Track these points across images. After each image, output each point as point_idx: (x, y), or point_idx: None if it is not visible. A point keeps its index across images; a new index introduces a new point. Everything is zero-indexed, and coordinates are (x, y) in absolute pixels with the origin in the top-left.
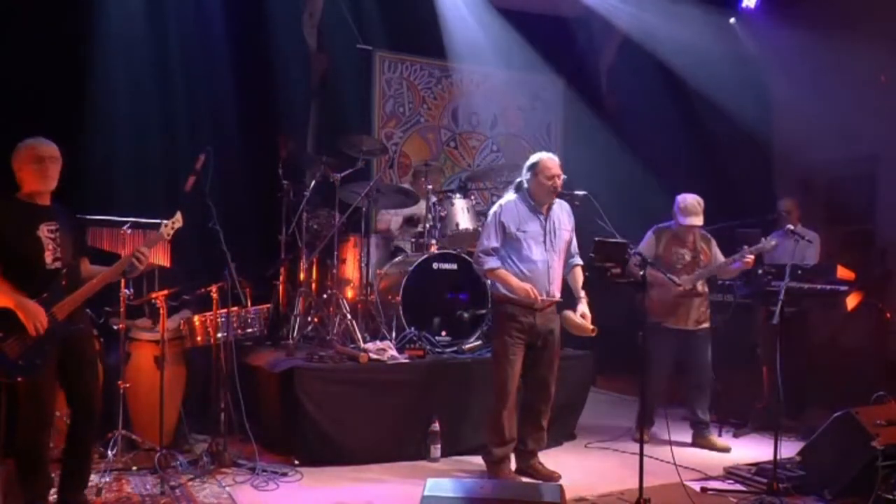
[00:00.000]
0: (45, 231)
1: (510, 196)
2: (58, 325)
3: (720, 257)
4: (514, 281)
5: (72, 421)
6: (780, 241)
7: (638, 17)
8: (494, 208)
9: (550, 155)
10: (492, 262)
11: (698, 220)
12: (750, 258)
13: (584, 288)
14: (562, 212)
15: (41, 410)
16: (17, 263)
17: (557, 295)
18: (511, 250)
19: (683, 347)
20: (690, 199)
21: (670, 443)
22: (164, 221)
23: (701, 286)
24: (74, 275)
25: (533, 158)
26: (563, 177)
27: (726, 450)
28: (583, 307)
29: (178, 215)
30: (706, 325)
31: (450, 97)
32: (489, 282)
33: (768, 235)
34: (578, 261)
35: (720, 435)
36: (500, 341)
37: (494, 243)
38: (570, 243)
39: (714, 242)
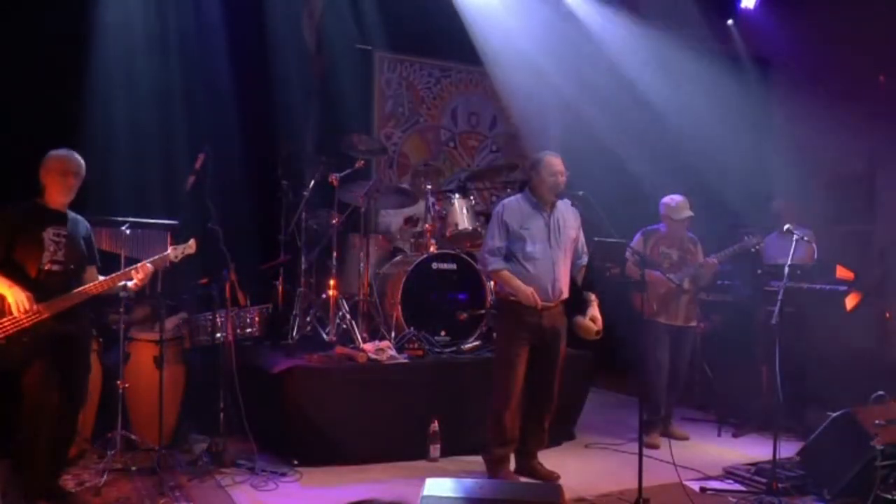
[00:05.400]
0: (49, 234)
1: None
2: (42, 321)
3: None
4: (517, 283)
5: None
6: (778, 242)
7: (637, 18)
8: (497, 207)
9: (555, 154)
10: (496, 264)
11: (690, 212)
12: (713, 260)
13: (585, 288)
14: (567, 210)
15: (35, 405)
16: (16, 261)
17: (565, 293)
18: (516, 248)
19: (671, 343)
20: (678, 197)
21: (669, 443)
22: (176, 246)
23: (688, 284)
24: (72, 279)
25: (537, 155)
26: (565, 175)
27: (685, 437)
28: (592, 310)
29: (192, 242)
30: (693, 323)
31: (449, 97)
32: (491, 282)
33: (766, 236)
34: (586, 260)
35: (719, 435)
36: (504, 341)
37: (499, 243)
38: (576, 241)
39: (700, 246)
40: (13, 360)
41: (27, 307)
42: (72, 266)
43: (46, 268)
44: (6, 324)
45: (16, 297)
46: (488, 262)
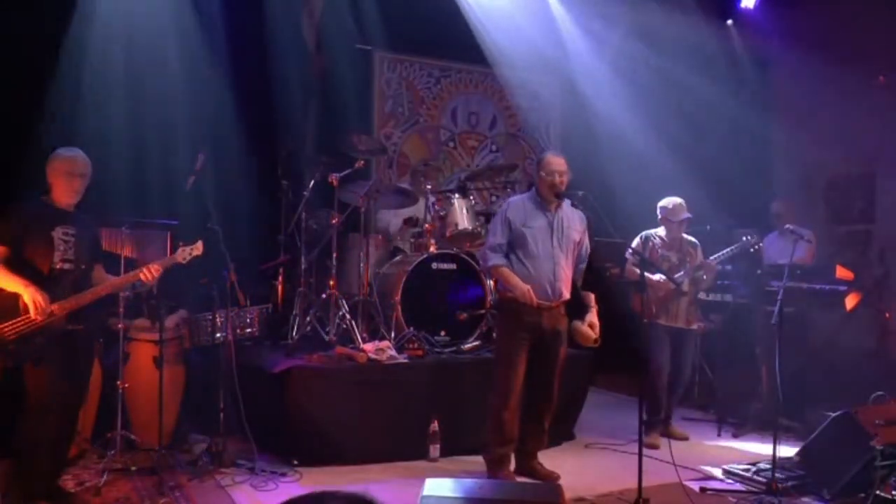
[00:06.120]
0: (59, 233)
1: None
2: (55, 320)
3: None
4: (515, 280)
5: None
6: (777, 242)
7: (636, 18)
8: (503, 205)
9: (557, 154)
10: (495, 259)
11: (688, 214)
12: (712, 262)
13: (584, 288)
14: (573, 213)
15: (39, 406)
16: (27, 260)
17: (566, 294)
18: (518, 246)
19: (672, 345)
20: (675, 200)
21: (669, 443)
22: (185, 247)
23: (687, 286)
24: (82, 279)
25: (540, 155)
26: (567, 175)
27: (685, 438)
28: (591, 317)
29: (199, 244)
30: (695, 326)
31: (449, 97)
32: (491, 282)
33: (766, 236)
34: (585, 265)
35: (719, 435)
36: (504, 340)
37: (500, 239)
38: (580, 245)
39: (700, 248)
40: (26, 359)
41: (44, 307)
42: (82, 266)
43: (58, 267)
44: (20, 323)
45: (33, 297)
46: (488, 257)
